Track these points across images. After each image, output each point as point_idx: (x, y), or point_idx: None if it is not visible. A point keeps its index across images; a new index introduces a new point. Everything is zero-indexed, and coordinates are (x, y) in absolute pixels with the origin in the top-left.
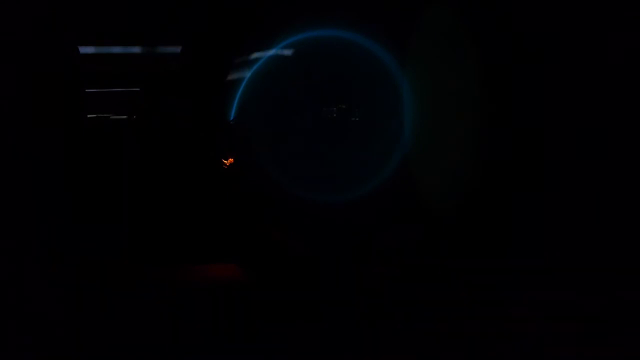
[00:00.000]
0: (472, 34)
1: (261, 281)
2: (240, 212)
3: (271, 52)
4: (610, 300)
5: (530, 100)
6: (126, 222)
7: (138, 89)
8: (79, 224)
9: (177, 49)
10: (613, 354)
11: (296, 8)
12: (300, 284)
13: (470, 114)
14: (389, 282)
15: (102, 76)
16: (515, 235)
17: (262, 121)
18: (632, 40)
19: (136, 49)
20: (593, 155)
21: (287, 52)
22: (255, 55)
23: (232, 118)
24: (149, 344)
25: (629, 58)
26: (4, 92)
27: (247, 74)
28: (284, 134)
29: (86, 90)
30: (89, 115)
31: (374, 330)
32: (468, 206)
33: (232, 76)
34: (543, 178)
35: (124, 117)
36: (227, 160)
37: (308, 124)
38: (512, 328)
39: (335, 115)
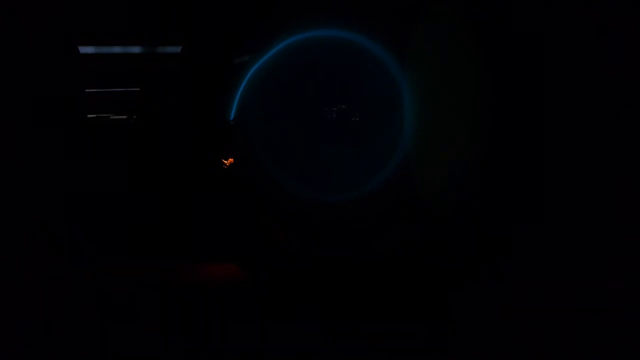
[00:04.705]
0: (472, 34)
1: (261, 281)
2: (240, 211)
3: (271, 52)
4: (613, 303)
5: (530, 100)
6: (126, 222)
7: (138, 89)
8: (79, 223)
9: (177, 49)
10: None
11: (296, 8)
12: (300, 284)
13: (470, 113)
14: (389, 282)
15: (102, 76)
16: (516, 236)
17: (262, 121)
18: (632, 40)
19: (136, 49)
20: (594, 155)
21: (287, 52)
22: (255, 55)
23: (232, 118)
24: (147, 343)
25: (630, 58)
26: (4, 92)
27: (247, 74)
28: (284, 133)
29: (86, 90)
30: (89, 115)
31: (374, 331)
32: (469, 206)
33: (232, 76)
34: (544, 178)
35: (124, 117)
36: (227, 160)
37: (308, 124)
38: (513, 328)
39: (335, 115)
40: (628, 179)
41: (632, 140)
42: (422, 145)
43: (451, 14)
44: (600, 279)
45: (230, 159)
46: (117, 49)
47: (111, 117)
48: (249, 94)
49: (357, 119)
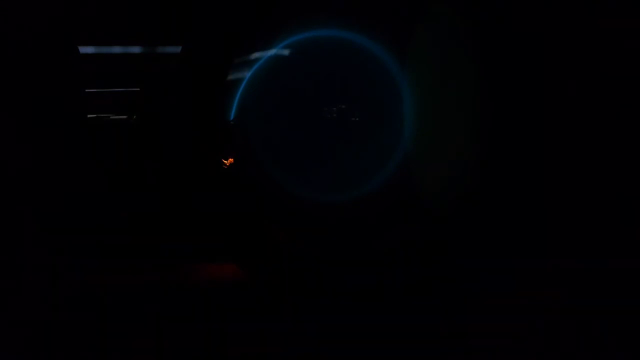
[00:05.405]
0: (472, 34)
1: (261, 281)
2: (240, 211)
3: (271, 52)
4: (613, 300)
5: (530, 100)
6: (126, 222)
7: (138, 89)
8: (78, 223)
9: (177, 49)
10: (615, 352)
11: (296, 8)
12: (300, 284)
13: (470, 113)
14: (389, 282)
15: (102, 76)
16: (516, 236)
17: (262, 121)
18: (632, 40)
19: (136, 49)
20: (594, 155)
21: (287, 52)
22: (255, 55)
23: (232, 118)
24: (148, 343)
25: (630, 57)
26: (4, 92)
27: (247, 74)
28: (284, 133)
29: (86, 90)
30: (89, 115)
31: (373, 329)
32: (468, 206)
33: (232, 76)
34: (543, 178)
35: (124, 117)
36: (227, 160)
37: (308, 124)
38: (512, 327)
39: (335, 115)
40: (629, 179)
41: (632, 140)
42: (422, 145)
43: (451, 14)
44: (600, 279)
45: (230, 159)
46: (117, 49)
47: (111, 117)
48: (249, 94)
49: (357, 119)
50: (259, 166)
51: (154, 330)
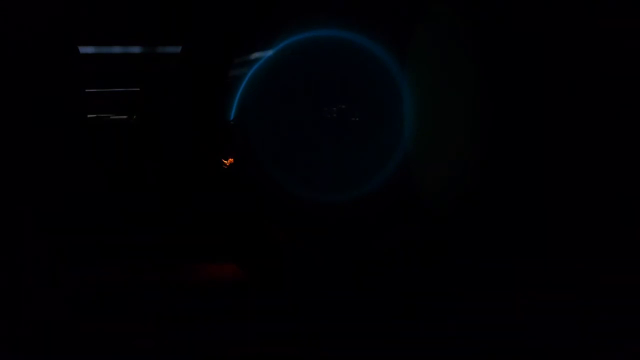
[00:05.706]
0: (472, 34)
1: (261, 281)
2: (240, 211)
3: (271, 52)
4: (611, 300)
5: (530, 100)
6: (126, 222)
7: (138, 89)
8: (78, 223)
9: (177, 49)
10: (615, 352)
11: (296, 8)
12: (300, 284)
13: (470, 113)
14: (389, 282)
15: (102, 76)
16: (516, 236)
17: (262, 121)
18: (632, 40)
19: (136, 49)
20: (594, 155)
21: (287, 52)
22: (255, 55)
23: (232, 118)
24: (147, 343)
25: (630, 57)
26: (4, 92)
27: (247, 74)
28: (284, 133)
29: (86, 90)
30: (89, 115)
31: (373, 329)
32: (469, 206)
33: (232, 76)
34: (543, 178)
35: (124, 117)
36: (227, 160)
37: (308, 124)
38: (512, 327)
39: (335, 115)
40: (629, 179)
41: (632, 140)
42: (422, 145)
43: (451, 14)
44: (600, 279)
45: (230, 159)
46: (117, 49)
47: (111, 117)
48: (249, 94)
49: (357, 119)
50: (259, 166)
51: (154, 330)
